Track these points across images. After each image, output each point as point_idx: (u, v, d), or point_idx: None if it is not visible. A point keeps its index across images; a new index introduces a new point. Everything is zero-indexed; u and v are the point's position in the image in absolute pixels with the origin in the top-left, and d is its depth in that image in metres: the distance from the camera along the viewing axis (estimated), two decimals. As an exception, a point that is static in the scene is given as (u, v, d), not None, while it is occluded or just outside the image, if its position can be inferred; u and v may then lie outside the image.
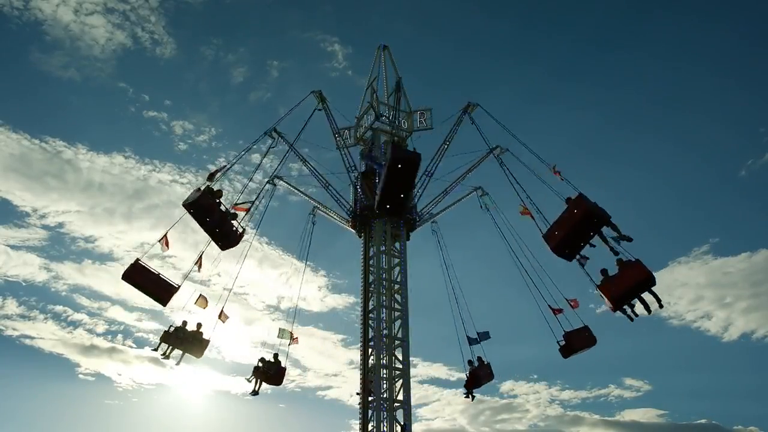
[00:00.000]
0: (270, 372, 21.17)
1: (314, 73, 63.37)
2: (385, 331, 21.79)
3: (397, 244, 23.77)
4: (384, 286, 22.53)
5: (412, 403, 21.51)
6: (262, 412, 61.94)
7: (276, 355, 21.67)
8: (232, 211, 18.58)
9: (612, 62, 66.19)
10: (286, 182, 23.92)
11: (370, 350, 21.80)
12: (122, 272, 18.09)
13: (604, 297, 16.57)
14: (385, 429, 20.51)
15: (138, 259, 18.24)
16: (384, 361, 21.42)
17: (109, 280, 54.76)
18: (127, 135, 63.89)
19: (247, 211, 19.45)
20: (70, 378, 54.98)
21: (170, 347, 19.27)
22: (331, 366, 60.32)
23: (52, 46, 54.94)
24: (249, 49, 66.50)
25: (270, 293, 56.96)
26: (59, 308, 54.08)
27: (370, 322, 22.15)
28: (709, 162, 63.83)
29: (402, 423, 20.82)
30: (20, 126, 54.44)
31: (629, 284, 16.01)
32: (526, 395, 58.58)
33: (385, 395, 20.98)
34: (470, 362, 22.66)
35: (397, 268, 23.33)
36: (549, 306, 20.69)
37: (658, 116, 65.44)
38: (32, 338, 52.16)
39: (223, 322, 20.42)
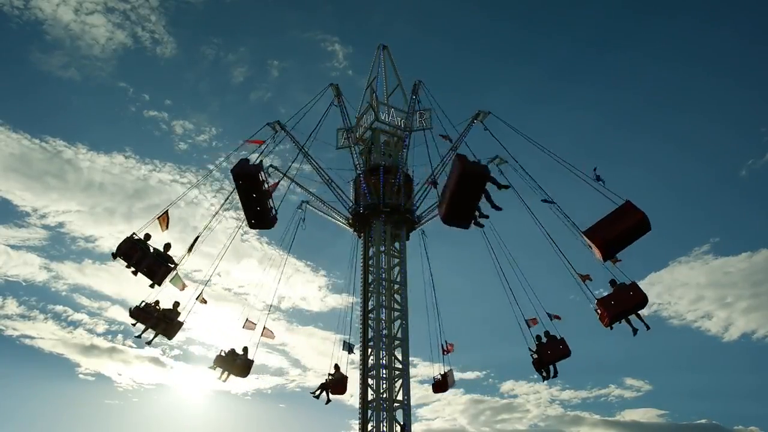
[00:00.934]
0: (236, 362, 20.41)
1: (315, 73, 63.49)
2: (384, 331, 21.79)
3: (396, 244, 23.77)
4: (383, 286, 22.53)
5: (412, 403, 21.60)
6: (262, 412, 61.97)
7: (245, 349, 20.77)
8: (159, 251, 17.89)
9: (612, 62, 66.27)
10: (290, 178, 23.34)
11: (369, 350, 21.81)
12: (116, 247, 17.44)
13: (601, 312, 16.59)
14: (384, 429, 20.52)
15: (134, 233, 17.66)
16: (384, 361, 21.42)
17: (110, 280, 54.77)
18: (127, 135, 64.07)
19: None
20: (70, 378, 54.99)
21: (144, 327, 18.40)
22: (331, 366, 60.26)
23: (52, 46, 55.04)
24: (249, 48, 66.60)
25: (271, 293, 56.82)
26: (59, 308, 54.09)
27: (370, 322, 22.15)
28: (709, 162, 63.89)
29: (402, 423, 20.83)
30: (20, 126, 54.57)
31: (626, 305, 16.26)
32: (526, 395, 58.52)
33: (384, 395, 20.98)
34: (538, 337, 20.41)
35: (397, 268, 23.33)
36: (525, 320, 20.33)
37: (659, 116, 65.50)
38: (32, 338, 52.13)
39: (204, 302, 19.46)
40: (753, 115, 62.15)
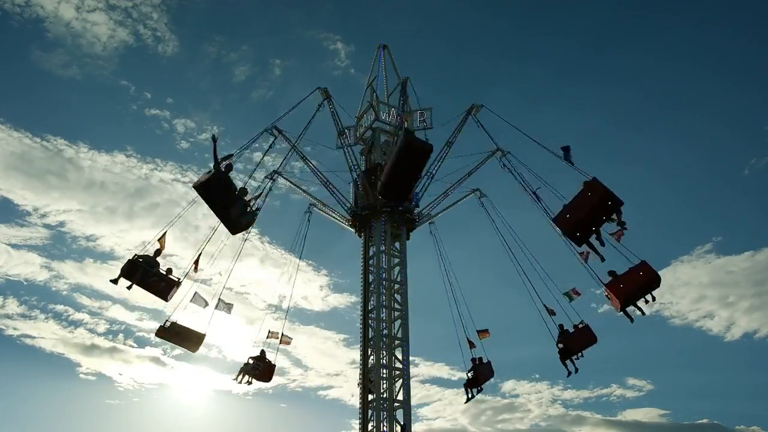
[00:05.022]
0: (258, 369, 21.16)
1: (316, 72, 63.39)
2: (385, 331, 21.76)
3: (397, 244, 23.75)
4: (384, 286, 22.50)
5: (413, 403, 21.60)
6: (263, 412, 61.92)
7: (262, 352, 21.43)
8: (165, 269, 18.18)
9: (614, 62, 66.12)
10: (287, 179, 23.74)
11: (370, 350, 21.79)
12: (155, 331, 18.50)
13: (611, 296, 16.50)
14: (385, 429, 20.50)
15: (168, 320, 18.37)
16: (384, 361, 21.40)
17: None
18: (128, 133, 63.94)
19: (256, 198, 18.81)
20: (71, 378, 54.95)
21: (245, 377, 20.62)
22: (332, 365, 60.30)
23: (53, 44, 54.94)
24: (251, 47, 66.51)
25: (271, 293, 56.86)
26: (60, 308, 54.10)
27: (370, 322, 22.13)
28: (712, 161, 63.69)
29: (402, 423, 20.81)
30: (21, 124, 54.59)
31: (638, 285, 16.01)
32: (527, 395, 58.48)
33: (385, 395, 20.96)
34: (473, 360, 22.08)
35: (397, 268, 23.31)
36: (545, 306, 20.30)
37: (660, 116, 65.33)
38: (33, 338, 52.14)
39: (229, 312, 20.55)
40: (756, 114, 62.12)
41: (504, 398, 58.46)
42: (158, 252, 18.22)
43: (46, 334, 52.90)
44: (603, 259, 16.37)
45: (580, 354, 19.23)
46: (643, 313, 16.73)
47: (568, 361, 19.38)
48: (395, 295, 22.74)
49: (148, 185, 57.06)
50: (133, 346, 55.29)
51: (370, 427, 20.66)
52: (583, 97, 68.74)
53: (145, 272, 17.69)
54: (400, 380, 21.46)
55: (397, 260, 23.43)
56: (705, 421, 51.31)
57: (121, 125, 60.75)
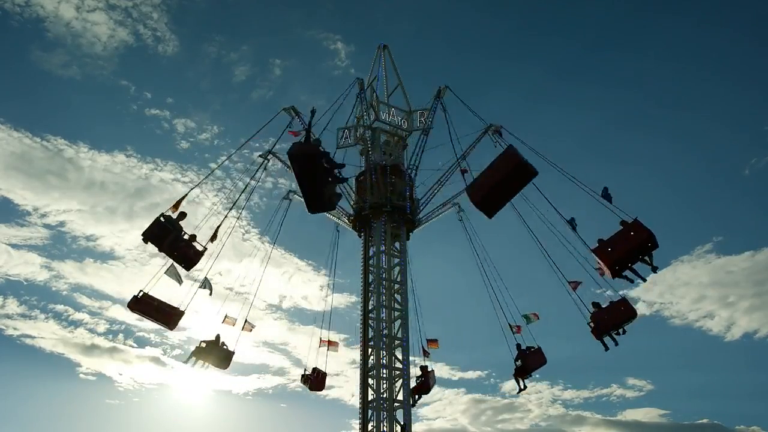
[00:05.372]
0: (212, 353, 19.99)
1: (316, 72, 63.55)
2: (385, 331, 21.77)
3: (397, 244, 23.75)
4: (384, 286, 22.51)
5: (411, 403, 21.52)
6: (263, 412, 62.00)
7: (217, 336, 20.38)
8: (189, 235, 17.78)
9: (614, 62, 66.25)
10: (279, 159, 23.19)
11: (370, 350, 21.80)
12: (127, 302, 18.04)
13: (600, 263, 16.27)
14: (385, 429, 20.50)
15: (141, 291, 18.08)
16: (384, 361, 21.40)
17: (111, 279, 54.90)
18: (128, 133, 64.09)
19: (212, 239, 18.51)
20: (71, 378, 55.04)
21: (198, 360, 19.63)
22: (332, 365, 60.28)
23: (53, 44, 55.08)
24: (251, 47, 66.61)
25: (272, 292, 57.00)
26: (60, 308, 54.16)
27: (370, 322, 22.14)
28: (712, 161, 63.79)
29: (402, 423, 20.81)
30: (21, 124, 54.75)
31: (629, 246, 15.55)
32: (528, 395, 58.13)
33: (385, 395, 20.97)
34: (518, 347, 21.79)
35: (397, 268, 23.31)
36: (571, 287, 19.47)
37: (661, 115, 65.46)
38: (33, 338, 52.21)
39: (250, 332, 21.13)
40: (756, 114, 62.19)
41: (504, 398, 58.52)
42: (183, 215, 17.60)
43: (46, 334, 52.99)
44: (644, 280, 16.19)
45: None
46: (617, 344, 17.42)
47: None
48: (395, 295, 22.74)
49: (148, 185, 57.18)
50: (133, 346, 55.37)
51: (370, 427, 20.65)
52: (583, 97, 68.92)
53: (175, 236, 17.17)
54: (400, 380, 21.46)
55: (397, 260, 23.43)
56: (705, 421, 51.39)
57: (121, 125, 60.90)
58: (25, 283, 53.47)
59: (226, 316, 20.83)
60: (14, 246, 52.48)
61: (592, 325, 17.29)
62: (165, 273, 18.00)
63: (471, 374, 58.92)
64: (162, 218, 17.15)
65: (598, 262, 16.41)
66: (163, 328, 18.61)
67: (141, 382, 56.08)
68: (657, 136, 65.95)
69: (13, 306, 52.68)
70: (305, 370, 23.27)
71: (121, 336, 57.24)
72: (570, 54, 68.56)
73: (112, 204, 56.25)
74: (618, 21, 66.52)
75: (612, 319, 16.90)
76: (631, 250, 15.44)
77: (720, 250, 57.57)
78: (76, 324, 55.53)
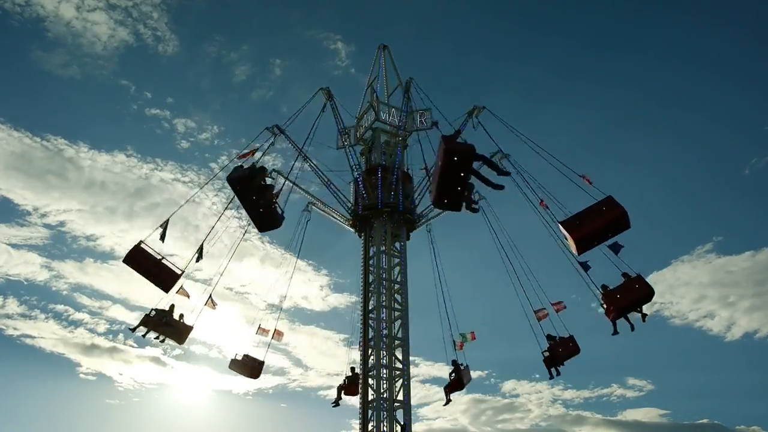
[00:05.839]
0: (162, 321, 19.46)
1: (317, 72, 63.41)
2: (385, 331, 21.78)
3: (397, 244, 23.76)
4: (384, 286, 22.52)
5: (413, 403, 21.59)
6: (263, 412, 61.97)
7: (172, 307, 19.76)
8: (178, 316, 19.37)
9: (614, 62, 66.16)
10: (289, 179, 23.54)
11: (370, 350, 21.81)
12: (124, 255, 18.01)
13: (606, 309, 16.57)
14: (385, 429, 20.51)
15: (141, 242, 18.04)
16: (384, 361, 21.41)
17: (111, 279, 54.78)
18: (128, 133, 63.92)
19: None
20: (71, 378, 54.97)
21: (149, 331, 19.33)
22: (332, 365, 60.43)
23: (53, 44, 54.95)
24: (252, 47, 66.54)
25: (272, 292, 56.91)
26: (60, 307, 54.12)
27: (370, 322, 22.15)
28: (712, 161, 63.72)
29: (402, 423, 20.83)
30: (21, 124, 54.60)
31: (631, 299, 16.13)
32: (528, 395, 58.54)
33: (385, 395, 20.98)
34: (549, 337, 21.01)
35: (397, 268, 23.32)
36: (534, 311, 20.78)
37: (660, 116, 65.40)
38: (33, 338, 52.16)
39: (213, 308, 20.52)
40: (756, 114, 62.15)
41: (504, 398, 58.57)
42: (173, 307, 19.36)
43: (46, 334, 52.97)
44: (476, 210, 16.42)
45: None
46: (633, 328, 17.09)
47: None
48: (395, 295, 22.75)
49: (148, 185, 57.14)
50: (133, 346, 55.34)
51: (370, 427, 20.66)
52: (583, 97, 68.85)
53: (159, 321, 18.90)
54: (400, 380, 21.48)
55: (397, 260, 23.44)
56: (705, 421, 51.42)
57: (122, 125, 60.84)
58: (25, 283, 53.49)
59: (259, 327, 22.02)
60: (14, 246, 52.51)
61: (604, 306, 16.51)
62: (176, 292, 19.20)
63: (471, 374, 58.86)
64: (153, 311, 19.03)
65: (603, 305, 16.66)
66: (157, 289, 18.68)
67: (141, 382, 56.13)
68: (657, 136, 65.96)
69: (13, 306, 52.72)
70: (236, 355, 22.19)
71: (121, 336, 57.23)
72: (570, 54, 68.59)
73: (112, 204, 56.27)
74: (618, 21, 66.56)
75: (626, 298, 16.07)
76: (444, 171, 14.78)
77: (720, 250, 57.57)
78: (76, 324, 55.56)
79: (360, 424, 21.00)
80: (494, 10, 69.85)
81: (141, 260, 17.98)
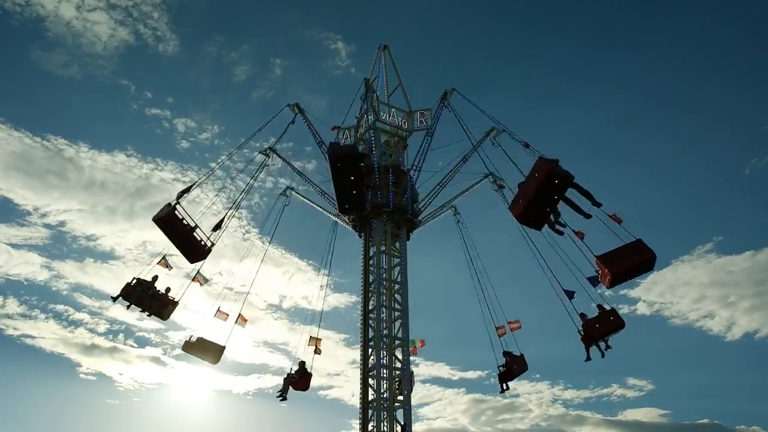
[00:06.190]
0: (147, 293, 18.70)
1: (317, 72, 63.55)
2: (385, 331, 21.78)
3: (397, 244, 23.76)
4: (384, 286, 22.52)
5: (413, 403, 21.55)
6: (263, 412, 62.02)
7: (155, 278, 19.05)
8: (193, 225, 18.50)
9: (614, 62, 66.25)
10: (297, 192, 24.32)
11: (370, 350, 21.81)
12: (155, 214, 17.93)
13: (602, 273, 16.76)
14: (385, 429, 20.50)
15: (177, 203, 18.09)
16: (384, 361, 21.41)
17: (111, 279, 54.75)
18: (129, 133, 64.04)
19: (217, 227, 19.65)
20: (71, 378, 55.03)
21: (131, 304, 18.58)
22: (332, 365, 60.38)
23: (53, 44, 55.04)
24: (252, 46, 66.62)
25: (272, 292, 57.02)
26: (60, 307, 54.16)
27: (370, 322, 22.15)
28: (713, 160, 63.80)
29: (402, 423, 20.82)
30: (21, 124, 54.72)
31: (607, 329, 17.18)
32: (528, 395, 58.57)
33: (385, 395, 20.97)
34: (505, 353, 22.29)
35: (397, 268, 23.32)
36: (564, 290, 19.29)
37: (660, 116, 65.45)
38: (33, 338, 52.22)
39: (243, 326, 20.81)
40: (756, 114, 62.20)
41: (504, 398, 58.48)
42: (155, 278, 18.73)
43: (46, 334, 53.01)
44: (588, 216, 16.41)
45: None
46: (603, 355, 18.15)
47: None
48: (395, 295, 22.75)
49: (148, 185, 57.19)
50: (133, 346, 55.39)
51: (370, 427, 20.65)
52: (583, 97, 68.88)
53: (143, 293, 18.26)
54: (401, 380, 21.44)
55: (397, 260, 23.44)
56: (705, 421, 51.48)
57: (122, 125, 60.92)
58: (25, 282, 53.53)
59: (218, 309, 20.76)
60: (14, 246, 52.55)
61: (582, 333, 17.90)
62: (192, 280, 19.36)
63: (471, 374, 58.93)
64: (135, 281, 18.28)
65: (598, 271, 16.87)
66: (157, 319, 18.92)
67: (141, 382, 56.16)
68: (657, 136, 66.02)
69: (13, 306, 52.76)
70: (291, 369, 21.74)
71: (121, 336, 57.32)
72: (570, 54, 68.63)
73: (112, 204, 56.32)
74: (618, 21, 66.60)
75: (602, 328, 17.40)
76: (539, 191, 15.27)
77: (720, 250, 57.64)
78: (77, 324, 55.58)
79: (360, 424, 20.99)
80: (494, 10, 69.96)
81: (174, 224, 17.99)
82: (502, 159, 20.11)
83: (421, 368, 55.06)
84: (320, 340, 22.28)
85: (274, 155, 23.29)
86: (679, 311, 57.47)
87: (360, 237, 24.24)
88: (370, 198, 23.23)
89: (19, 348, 51.83)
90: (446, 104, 24.14)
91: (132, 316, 56.63)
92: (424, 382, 57.15)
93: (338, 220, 24.86)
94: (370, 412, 20.92)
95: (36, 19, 53.26)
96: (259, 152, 22.53)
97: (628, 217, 16.58)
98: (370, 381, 21.34)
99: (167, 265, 19.12)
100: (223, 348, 19.78)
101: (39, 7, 52.47)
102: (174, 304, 18.97)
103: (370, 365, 21.55)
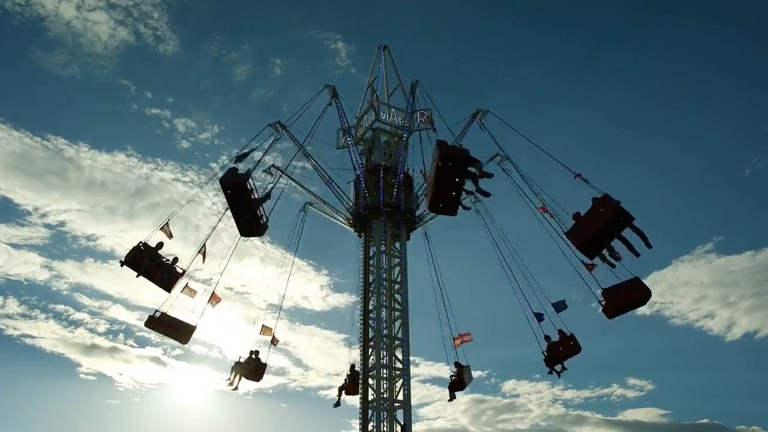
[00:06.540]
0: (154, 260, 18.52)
1: (317, 72, 63.54)
2: (385, 331, 21.78)
3: (397, 244, 23.76)
4: (384, 286, 22.52)
5: (413, 403, 21.59)
6: (263, 412, 62.05)
7: (159, 245, 18.81)
8: (172, 258, 18.48)
9: (614, 62, 66.30)
10: (289, 176, 23.52)
11: (370, 350, 21.81)
12: (123, 256, 17.80)
13: (573, 245, 17.18)
14: (385, 429, 20.52)
15: (157, 311, 18.21)
16: (384, 361, 21.41)
17: (111, 279, 54.86)
18: (129, 133, 64.15)
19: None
20: (71, 378, 55.08)
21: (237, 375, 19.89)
22: (332, 365, 60.47)
23: (53, 43, 55.09)
24: (252, 46, 66.67)
25: (272, 292, 56.88)
26: (60, 307, 54.19)
27: (370, 322, 22.15)
28: (713, 160, 63.85)
29: (402, 423, 20.83)
30: (21, 124, 54.78)
31: (598, 223, 16.54)
32: (528, 395, 58.62)
33: (385, 395, 20.98)
34: (547, 338, 20.96)
35: (397, 268, 23.32)
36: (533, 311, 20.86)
37: (660, 116, 65.48)
38: (33, 338, 52.28)
39: (213, 306, 20.07)
40: (757, 114, 62.26)
41: (504, 398, 58.65)
42: (160, 245, 18.47)
43: (46, 334, 53.05)
44: (614, 266, 17.08)
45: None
46: (560, 375, 20.17)
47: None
48: (395, 295, 22.75)
49: (148, 185, 57.23)
50: (133, 346, 55.39)
51: (370, 427, 20.67)
52: (583, 97, 68.94)
53: (151, 261, 17.92)
54: (400, 380, 21.47)
55: (397, 260, 23.44)
56: (705, 421, 51.51)
57: (122, 125, 60.99)
58: (25, 282, 53.57)
59: (263, 327, 21.44)
60: (14, 246, 52.59)
61: (546, 354, 20.19)
62: (181, 291, 18.73)
63: (472, 374, 58.86)
64: (141, 246, 17.97)
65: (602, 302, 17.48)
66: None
67: (141, 382, 56.19)
68: (657, 136, 66.06)
69: (13, 306, 52.78)
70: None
71: (121, 336, 57.35)
72: (570, 54, 68.68)
73: (112, 204, 56.36)
74: (618, 21, 66.65)
75: (564, 351, 19.81)
76: (602, 226, 16.10)
77: (721, 250, 57.68)
78: (77, 324, 55.61)
79: (360, 424, 21.00)
80: (494, 10, 70.01)
81: (141, 261, 17.90)
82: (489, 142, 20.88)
83: (421, 368, 54.99)
84: (271, 329, 21.88)
85: (282, 131, 22.48)
86: (680, 311, 57.54)
87: (360, 237, 24.24)
88: (370, 198, 23.29)
89: (19, 348, 51.94)
90: (481, 123, 23.22)
91: (132, 316, 56.70)
92: (423, 382, 57.14)
93: (338, 221, 24.87)
94: (370, 412, 20.93)
95: (36, 19, 53.36)
96: (269, 124, 21.81)
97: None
98: (370, 381, 21.35)
99: (192, 292, 19.35)
100: (193, 327, 18.97)
101: (39, 7, 52.56)
102: (181, 275, 18.58)
103: (370, 365, 21.56)
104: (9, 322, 51.66)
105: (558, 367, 20.72)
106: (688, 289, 58.47)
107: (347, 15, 69.13)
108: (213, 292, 20.17)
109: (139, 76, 60.56)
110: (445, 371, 22.92)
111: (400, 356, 21.82)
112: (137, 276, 17.83)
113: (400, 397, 21.24)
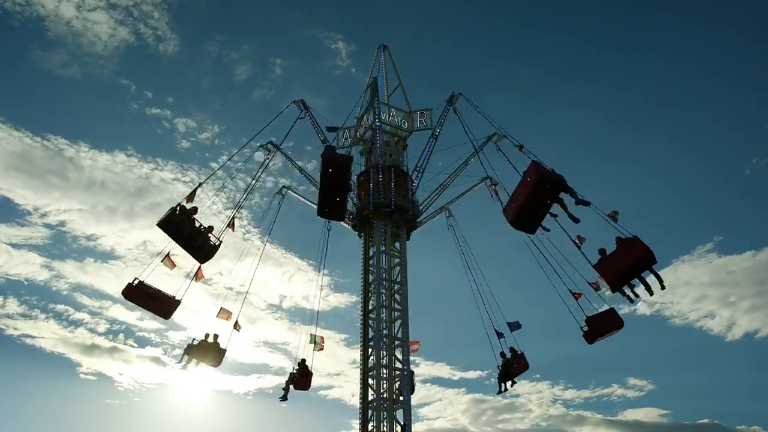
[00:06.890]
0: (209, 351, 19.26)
1: (317, 71, 63.49)
2: (385, 331, 21.78)
3: (397, 244, 23.76)
4: (384, 286, 22.52)
5: (413, 403, 21.58)
6: (263, 412, 61.99)
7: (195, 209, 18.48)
8: (206, 226, 18.11)
9: (614, 62, 66.20)
10: (295, 192, 24.26)
11: (370, 350, 21.80)
12: (121, 290, 17.78)
13: (602, 278, 16.52)
14: (385, 429, 20.51)
15: (136, 278, 17.93)
16: (384, 361, 21.41)
17: (111, 279, 54.78)
18: (129, 133, 63.93)
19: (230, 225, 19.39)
20: (71, 378, 54.97)
21: (191, 359, 19.15)
22: (333, 365, 60.38)
23: (53, 43, 54.98)
24: (252, 46, 66.60)
25: (272, 292, 57.01)
26: (60, 307, 54.12)
27: (370, 322, 22.15)
28: (713, 160, 63.76)
29: (402, 423, 20.82)
30: (22, 124, 54.65)
31: (628, 262, 15.68)
32: (528, 395, 58.51)
33: (385, 395, 20.97)
34: (502, 354, 22.19)
35: (397, 268, 23.32)
36: (569, 290, 19.58)
37: (662, 115, 65.41)
38: (33, 338, 52.15)
39: (238, 330, 20.18)
40: (757, 114, 62.15)
41: (504, 398, 58.42)
42: (195, 209, 18.00)
43: (46, 333, 52.94)
44: (576, 221, 16.14)
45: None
46: (635, 298, 16.97)
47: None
48: (395, 295, 22.75)
49: (148, 185, 57.16)
50: (133, 346, 55.33)
51: (370, 427, 20.66)
52: (583, 97, 68.82)
53: (191, 228, 17.50)
54: (400, 380, 21.45)
55: (397, 260, 23.43)
56: (705, 421, 51.42)
57: (122, 125, 60.88)
58: (25, 282, 53.49)
59: (221, 309, 20.10)
60: (14, 246, 52.51)
61: (501, 370, 21.64)
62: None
63: (471, 374, 58.88)
64: (178, 208, 17.46)
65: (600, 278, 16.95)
66: (159, 318, 18.60)
67: (141, 382, 56.12)
68: (657, 136, 65.98)
69: (13, 306, 52.71)
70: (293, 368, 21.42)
71: (121, 336, 57.27)
72: (570, 54, 68.58)
73: (112, 203, 56.27)
74: (618, 21, 66.56)
75: (518, 368, 21.47)
76: (631, 266, 15.61)
77: (721, 250, 57.59)
78: (77, 324, 55.55)
79: (360, 424, 21.00)
80: (494, 10, 69.96)
81: (138, 294, 17.87)
82: (505, 163, 19.81)
83: (421, 368, 55.04)
84: (322, 337, 22.02)
85: (275, 151, 22.94)
86: (680, 311, 57.50)
87: (360, 237, 24.24)
88: (371, 199, 23.29)
89: (19, 348, 51.84)
90: (453, 107, 24.00)
91: (132, 316, 56.65)
92: (424, 382, 57.17)
93: (339, 222, 24.79)
94: (370, 412, 20.93)
95: (36, 18, 53.30)
96: (259, 145, 22.37)
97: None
98: (370, 381, 21.35)
99: (228, 314, 19.45)
100: (178, 301, 18.62)
101: (39, 7, 52.51)
102: (217, 247, 18.26)
103: (370, 365, 21.56)
104: (9, 322, 51.64)
105: (508, 384, 22.12)
106: (689, 289, 58.45)
107: (347, 15, 69.16)
108: (236, 321, 19.94)
109: (139, 76, 60.55)
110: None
111: (400, 356, 21.82)
112: (174, 240, 17.32)
113: (401, 397, 21.19)
